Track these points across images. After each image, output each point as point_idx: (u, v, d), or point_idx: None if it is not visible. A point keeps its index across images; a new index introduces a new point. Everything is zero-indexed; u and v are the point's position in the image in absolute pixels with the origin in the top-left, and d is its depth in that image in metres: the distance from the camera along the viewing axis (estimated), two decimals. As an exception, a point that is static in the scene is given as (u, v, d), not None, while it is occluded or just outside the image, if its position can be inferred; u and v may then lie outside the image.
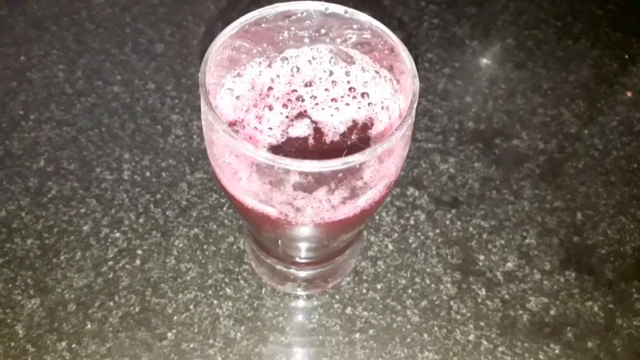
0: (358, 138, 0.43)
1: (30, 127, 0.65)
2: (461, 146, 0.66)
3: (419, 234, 0.59)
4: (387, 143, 0.35)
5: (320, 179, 0.39)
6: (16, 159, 0.62)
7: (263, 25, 0.42)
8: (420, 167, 0.64)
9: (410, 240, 0.59)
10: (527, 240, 0.60)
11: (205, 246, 0.58)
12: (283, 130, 0.43)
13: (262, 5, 0.69)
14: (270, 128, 0.43)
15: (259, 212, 0.40)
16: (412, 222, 0.60)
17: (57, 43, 0.72)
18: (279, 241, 0.47)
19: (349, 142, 0.43)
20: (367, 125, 0.44)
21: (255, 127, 0.43)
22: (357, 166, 0.36)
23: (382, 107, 0.44)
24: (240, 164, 0.40)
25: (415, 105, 0.37)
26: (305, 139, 0.43)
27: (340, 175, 0.36)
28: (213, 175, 0.43)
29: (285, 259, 0.52)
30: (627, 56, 0.74)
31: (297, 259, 0.51)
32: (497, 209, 0.61)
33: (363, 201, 0.39)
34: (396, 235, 0.59)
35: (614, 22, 0.78)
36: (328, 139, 0.43)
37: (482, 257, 0.58)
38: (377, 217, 0.60)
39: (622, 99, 0.71)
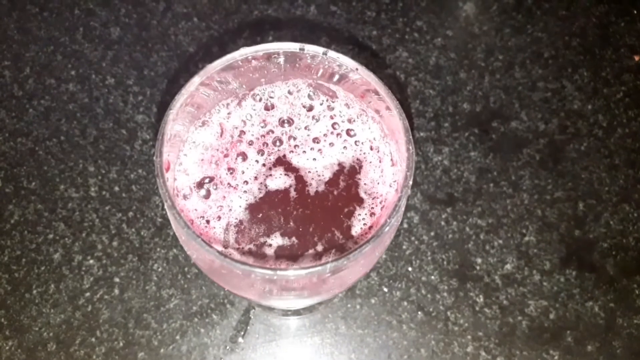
0: (345, 186, 0.39)
1: (-20, 140, 0.58)
2: (456, 133, 0.60)
3: (413, 238, 0.56)
4: (380, 235, 0.31)
5: (304, 247, 0.35)
6: (-30, 180, 0.57)
7: (230, 70, 0.36)
8: (412, 162, 0.59)
9: (404, 247, 0.56)
10: (527, 238, 0.57)
11: (186, 268, 0.54)
12: (261, 183, 0.38)
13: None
14: (245, 182, 0.38)
15: (238, 294, 0.36)
16: (405, 225, 0.57)
17: (-3, 33, 0.63)
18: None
19: (335, 193, 0.38)
20: (355, 169, 0.39)
21: (229, 184, 0.38)
22: (346, 262, 0.31)
23: (372, 148, 0.39)
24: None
25: (410, 182, 0.32)
26: (287, 191, 0.38)
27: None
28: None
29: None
30: (635, 11, 0.67)
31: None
32: (494, 204, 0.58)
33: (354, 275, 0.36)
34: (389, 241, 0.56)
35: (622, -32, 0.70)
36: (312, 190, 0.38)
37: (479, 260, 0.56)
38: (368, 224, 0.56)
39: (628, 64, 0.65)
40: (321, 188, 0.38)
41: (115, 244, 0.55)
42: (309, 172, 0.39)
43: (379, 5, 0.66)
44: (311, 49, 0.35)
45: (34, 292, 0.53)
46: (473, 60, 0.64)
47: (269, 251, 0.36)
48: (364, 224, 0.37)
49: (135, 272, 0.54)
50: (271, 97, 0.40)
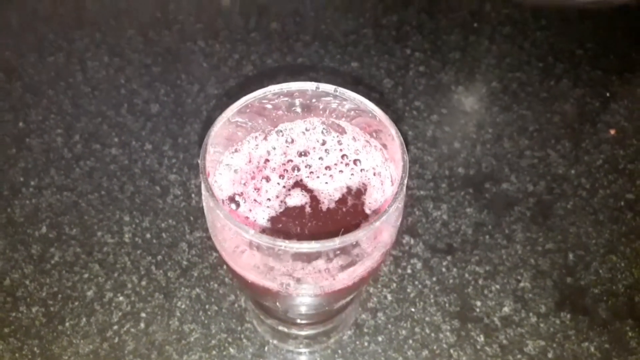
0: (352, 204, 0.45)
1: (31, 193, 0.66)
2: (452, 192, 0.67)
3: (416, 282, 0.61)
4: (382, 218, 0.37)
5: (318, 251, 0.40)
6: (18, 227, 0.64)
7: (258, 104, 0.44)
8: (414, 215, 0.65)
9: (408, 290, 0.60)
10: (522, 284, 0.61)
11: (207, 306, 0.59)
12: (281, 201, 0.45)
13: (252, 62, 0.71)
14: (268, 199, 0.45)
15: (259, 285, 0.41)
16: (409, 270, 0.62)
17: (54, 107, 0.73)
18: (280, 307, 0.48)
19: (344, 209, 0.45)
20: (360, 191, 0.46)
21: (254, 200, 0.45)
22: (354, 242, 0.37)
23: (374, 174, 0.46)
24: (241, 241, 0.42)
25: (405, 181, 0.39)
26: (302, 207, 0.45)
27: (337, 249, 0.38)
28: (214, 249, 0.44)
29: (286, 320, 0.53)
30: (608, 94, 0.77)
31: (298, 321, 0.53)
32: (490, 253, 0.63)
33: (361, 269, 0.41)
34: (394, 285, 0.61)
35: (593, 61, 0.81)
36: (324, 207, 0.45)
37: (479, 303, 0.60)
38: (374, 268, 0.62)
39: (605, 137, 0.73)
40: (332, 205, 0.45)
41: (144, 283, 0.60)
42: (322, 192, 0.45)
43: (382, 89, 0.77)
44: (324, 87, 0.44)
45: (67, 324, 0.57)
46: (466, 133, 0.73)
47: (287, 256, 0.42)
48: (370, 249, 0.43)
49: (160, 309, 0.59)
50: (291, 133, 0.48)
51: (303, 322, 0.53)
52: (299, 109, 0.47)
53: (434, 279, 0.61)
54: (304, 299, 0.43)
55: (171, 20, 0.84)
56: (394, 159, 0.45)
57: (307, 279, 0.40)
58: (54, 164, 0.68)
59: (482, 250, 0.63)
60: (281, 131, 0.48)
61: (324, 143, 0.48)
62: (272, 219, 0.44)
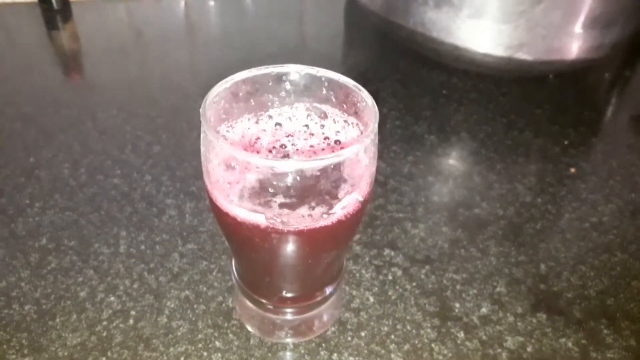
0: (333, 173, 0.51)
1: (34, 212, 0.70)
2: (429, 215, 0.73)
3: (397, 287, 0.64)
4: (357, 146, 0.43)
5: (302, 195, 0.45)
6: (19, 239, 0.67)
7: (250, 86, 0.51)
8: (394, 232, 0.70)
9: (389, 293, 0.63)
10: (498, 289, 0.64)
11: (195, 306, 0.61)
12: (269, 168, 0.50)
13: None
14: (257, 167, 0.50)
15: (250, 223, 0.45)
16: (390, 277, 0.65)
17: (63, 147, 0.80)
18: (266, 268, 0.51)
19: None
20: (340, 164, 0.52)
21: (245, 167, 0.50)
22: (332, 166, 0.42)
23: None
24: (233, 188, 0.47)
25: (376, 125, 0.45)
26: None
27: (319, 176, 0.43)
28: (208, 198, 0.49)
29: (271, 295, 0.55)
30: (566, 142, 0.86)
31: (284, 293, 0.55)
32: (467, 264, 0.67)
33: (340, 212, 0.45)
34: (376, 288, 0.63)
35: (551, 118, 0.90)
36: (308, 174, 0.50)
37: (457, 305, 0.62)
38: (357, 274, 0.65)
39: (567, 174, 0.80)
40: (315, 174, 0.50)
41: (135, 286, 0.62)
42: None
43: (364, 137, 0.85)
44: (307, 69, 0.52)
45: (57, 320, 0.59)
46: (438, 169, 0.80)
47: (274, 205, 0.47)
48: (347, 191, 0.48)
49: (150, 307, 0.60)
50: (280, 119, 0.55)
51: (288, 295, 0.55)
52: (285, 93, 0.54)
53: (414, 284, 0.64)
54: (289, 243, 0.47)
55: (175, 86, 0.95)
56: (367, 130, 0.51)
57: (290, 223, 0.45)
58: (58, 190, 0.74)
59: (458, 261, 0.67)
60: (271, 116, 0.55)
61: (308, 127, 0.55)
62: (261, 181, 0.49)
